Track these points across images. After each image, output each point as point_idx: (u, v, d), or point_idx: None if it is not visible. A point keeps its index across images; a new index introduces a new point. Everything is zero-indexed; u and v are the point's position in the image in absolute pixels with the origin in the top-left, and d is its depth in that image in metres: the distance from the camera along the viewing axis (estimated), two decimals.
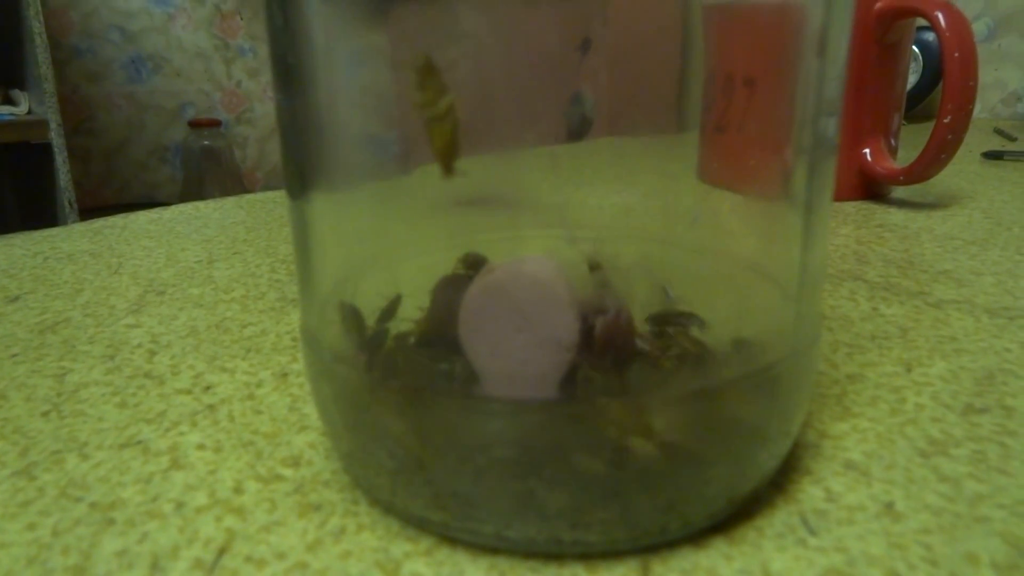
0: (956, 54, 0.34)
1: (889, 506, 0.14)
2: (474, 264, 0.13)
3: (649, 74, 0.12)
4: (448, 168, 0.12)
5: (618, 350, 0.13)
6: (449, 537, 0.13)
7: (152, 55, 1.56)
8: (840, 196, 0.41)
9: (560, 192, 0.13)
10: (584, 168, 0.13)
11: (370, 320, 0.14)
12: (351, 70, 0.13)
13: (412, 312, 0.14)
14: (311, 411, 0.18)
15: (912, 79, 0.75)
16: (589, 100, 0.12)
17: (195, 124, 1.52)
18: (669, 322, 0.14)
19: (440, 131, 0.12)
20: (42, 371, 0.21)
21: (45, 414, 0.18)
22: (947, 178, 0.47)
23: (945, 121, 0.35)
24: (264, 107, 1.69)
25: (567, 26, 0.12)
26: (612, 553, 0.13)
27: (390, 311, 0.14)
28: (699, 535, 0.13)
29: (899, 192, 0.43)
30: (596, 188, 0.13)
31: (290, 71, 0.13)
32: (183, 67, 1.60)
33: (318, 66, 0.13)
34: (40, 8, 1.13)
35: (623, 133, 0.12)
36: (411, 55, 0.12)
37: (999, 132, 0.69)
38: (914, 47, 0.73)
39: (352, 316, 0.14)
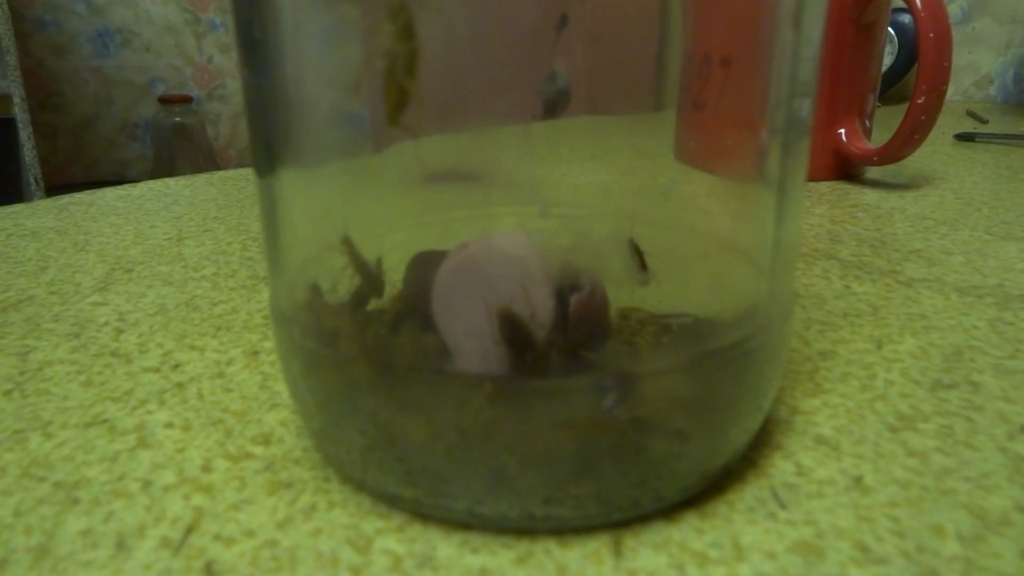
0: (931, 34, 0.35)
1: (858, 480, 0.14)
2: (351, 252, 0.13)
3: (626, 52, 0.12)
4: (393, 118, 0.12)
5: (592, 327, 0.13)
6: (421, 514, 0.13)
7: (120, 28, 1.52)
8: (815, 176, 0.41)
9: (535, 169, 0.13)
10: (560, 146, 0.12)
11: (340, 297, 0.14)
12: (320, 43, 0.12)
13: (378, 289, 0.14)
14: (282, 389, 0.18)
15: (887, 61, 0.75)
16: (565, 77, 0.12)
17: (165, 100, 1.48)
18: (631, 316, 0.14)
19: (395, 76, 0.11)
20: (4, 349, 0.20)
21: (7, 393, 0.18)
22: (920, 159, 0.47)
23: (919, 102, 0.35)
24: (237, 83, 1.65)
25: (544, 2, 0.11)
26: (585, 528, 0.13)
27: (362, 289, 0.14)
28: (671, 509, 0.13)
29: (873, 172, 0.43)
30: (572, 166, 0.13)
31: (256, 45, 0.13)
32: (152, 41, 1.56)
33: (285, 39, 0.13)
34: None
35: (600, 111, 0.12)
36: None
37: (971, 114, 0.69)
38: (890, 29, 0.73)
39: (320, 293, 0.14)
